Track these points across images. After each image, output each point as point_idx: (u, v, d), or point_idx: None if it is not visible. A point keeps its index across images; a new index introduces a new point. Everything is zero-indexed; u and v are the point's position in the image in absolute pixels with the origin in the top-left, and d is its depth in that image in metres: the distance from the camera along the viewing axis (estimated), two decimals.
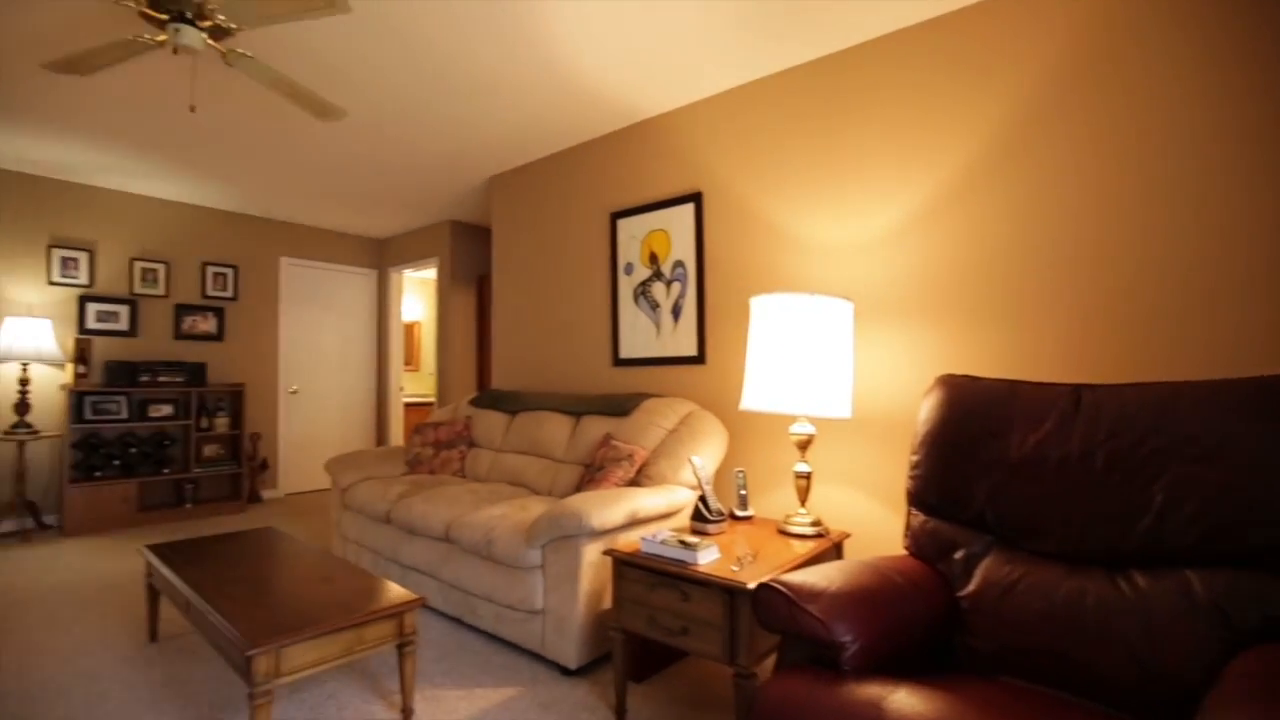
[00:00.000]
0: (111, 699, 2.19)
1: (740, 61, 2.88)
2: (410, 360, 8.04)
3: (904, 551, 1.87)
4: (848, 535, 2.29)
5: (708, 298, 3.20)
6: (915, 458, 1.85)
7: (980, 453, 1.70)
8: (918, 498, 1.83)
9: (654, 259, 3.44)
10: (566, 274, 3.99)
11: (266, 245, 5.82)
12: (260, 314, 5.75)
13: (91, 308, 4.84)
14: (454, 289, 5.79)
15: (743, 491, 2.47)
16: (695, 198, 3.26)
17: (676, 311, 3.32)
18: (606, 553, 2.08)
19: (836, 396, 2.17)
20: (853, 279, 2.67)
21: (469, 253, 5.94)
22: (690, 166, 3.33)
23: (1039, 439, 1.60)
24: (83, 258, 4.81)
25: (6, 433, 4.27)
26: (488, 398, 3.95)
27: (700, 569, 1.82)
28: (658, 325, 3.40)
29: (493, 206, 4.61)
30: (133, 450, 4.71)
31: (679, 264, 3.32)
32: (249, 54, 2.39)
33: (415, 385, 8.09)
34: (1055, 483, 1.55)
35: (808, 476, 2.27)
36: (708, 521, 2.22)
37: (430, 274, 7.84)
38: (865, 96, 2.66)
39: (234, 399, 5.33)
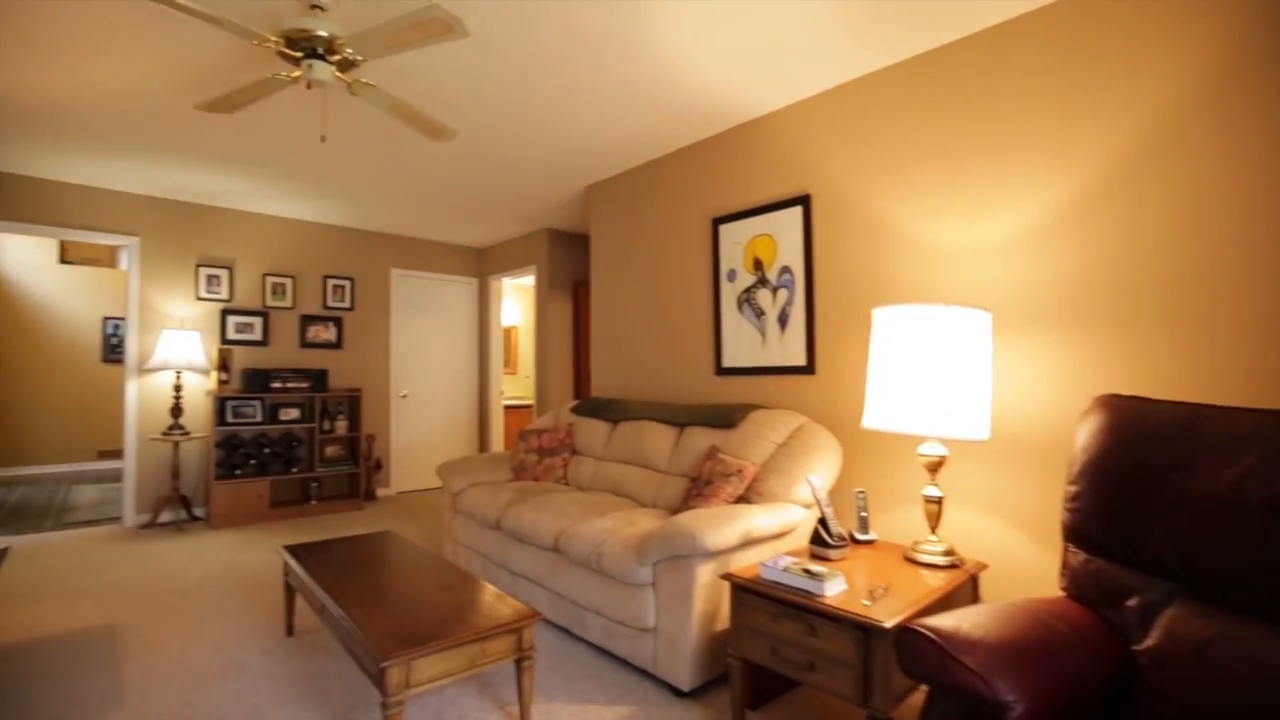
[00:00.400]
0: (259, 691, 2.35)
1: (852, 55, 2.73)
2: (508, 363, 8.30)
3: (1059, 593, 1.68)
4: (984, 567, 2.10)
5: (817, 305, 3.06)
6: (1073, 488, 1.66)
7: (1159, 487, 1.49)
8: (1077, 533, 1.64)
9: (759, 265, 3.33)
10: (666, 281, 3.95)
11: (379, 257, 6.17)
12: (373, 322, 6.11)
13: (231, 320, 5.30)
14: (551, 296, 5.90)
15: (863, 514, 2.33)
16: (803, 200, 3.12)
17: (783, 319, 3.20)
18: (724, 577, 2.01)
19: (972, 416, 1.99)
20: (985, 285, 2.45)
21: (565, 260, 6.03)
22: (797, 168, 3.19)
23: (1239, 474, 1.39)
24: (224, 275, 5.28)
25: (164, 433, 4.76)
26: (589, 406, 3.98)
27: (828, 602, 1.72)
28: (763, 334, 3.29)
29: (590, 215, 4.64)
30: (266, 450, 5.12)
31: (785, 270, 3.19)
32: (372, 84, 2.51)
33: (513, 388, 8.34)
34: (1262, 527, 1.34)
35: (939, 501, 2.11)
36: (829, 546, 2.10)
37: (527, 280, 8.05)
38: (996, 84, 2.44)
39: (352, 403, 5.68)
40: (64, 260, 7.71)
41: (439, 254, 6.60)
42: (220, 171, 4.37)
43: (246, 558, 4.01)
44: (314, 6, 2.34)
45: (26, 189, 4.53)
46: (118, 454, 7.67)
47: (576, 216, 5.55)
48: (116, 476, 6.91)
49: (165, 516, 4.95)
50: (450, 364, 6.66)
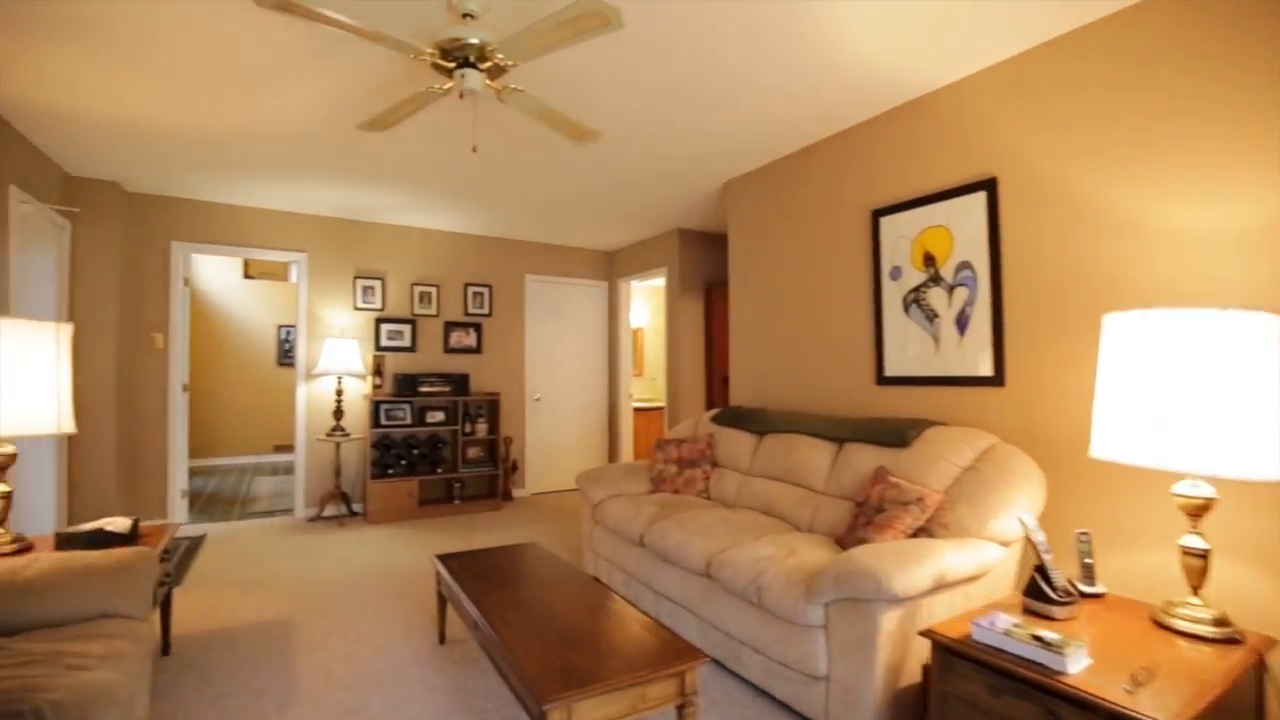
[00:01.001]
0: (415, 701, 2.36)
1: (1047, 11, 2.29)
2: (635, 366, 8.26)
3: None
4: (1274, 642, 1.64)
5: (1007, 306, 2.63)
6: None
7: None
8: None
9: (930, 261, 2.94)
10: (815, 281, 3.64)
11: (514, 264, 6.32)
12: (509, 327, 6.26)
13: (384, 328, 5.63)
14: (682, 297, 5.74)
15: (1088, 560, 1.93)
16: (987, 185, 2.70)
17: (962, 323, 2.79)
18: (925, 634, 1.71)
19: (1256, 450, 1.55)
20: (1224, 281, 1.95)
21: (696, 260, 5.85)
22: (976, 149, 2.77)
23: None
24: (377, 285, 5.62)
25: (327, 434, 5.13)
26: (730, 415, 3.76)
27: (1073, 682, 1.38)
28: (936, 339, 2.90)
29: (729, 212, 4.41)
30: (414, 451, 5.38)
31: (965, 265, 2.79)
32: (520, 89, 2.44)
33: (641, 390, 8.29)
34: None
35: (1204, 555, 1.67)
36: (1051, 602, 1.74)
37: (656, 282, 7.97)
38: (1247, 24, 1.92)
39: (490, 407, 5.85)
40: (247, 276, 8.67)
41: (570, 258, 6.66)
42: (376, 189, 4.62)
43: (399, 556, 4.19)
44: (465, 15, 2.30)
45: (217, 214, 5.05)
46: (290, 448, 8.50)
47: (709, 215, 5.35)
48: (289, 469, 7.65)
49: (329, 511, 5.34)
50: (580, 367, 6.70)
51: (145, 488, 4.80)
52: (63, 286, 4.27)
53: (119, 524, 2.40)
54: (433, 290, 5.86)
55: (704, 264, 5.90)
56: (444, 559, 2.77)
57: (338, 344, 5.14)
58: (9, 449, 2.26)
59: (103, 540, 2.32)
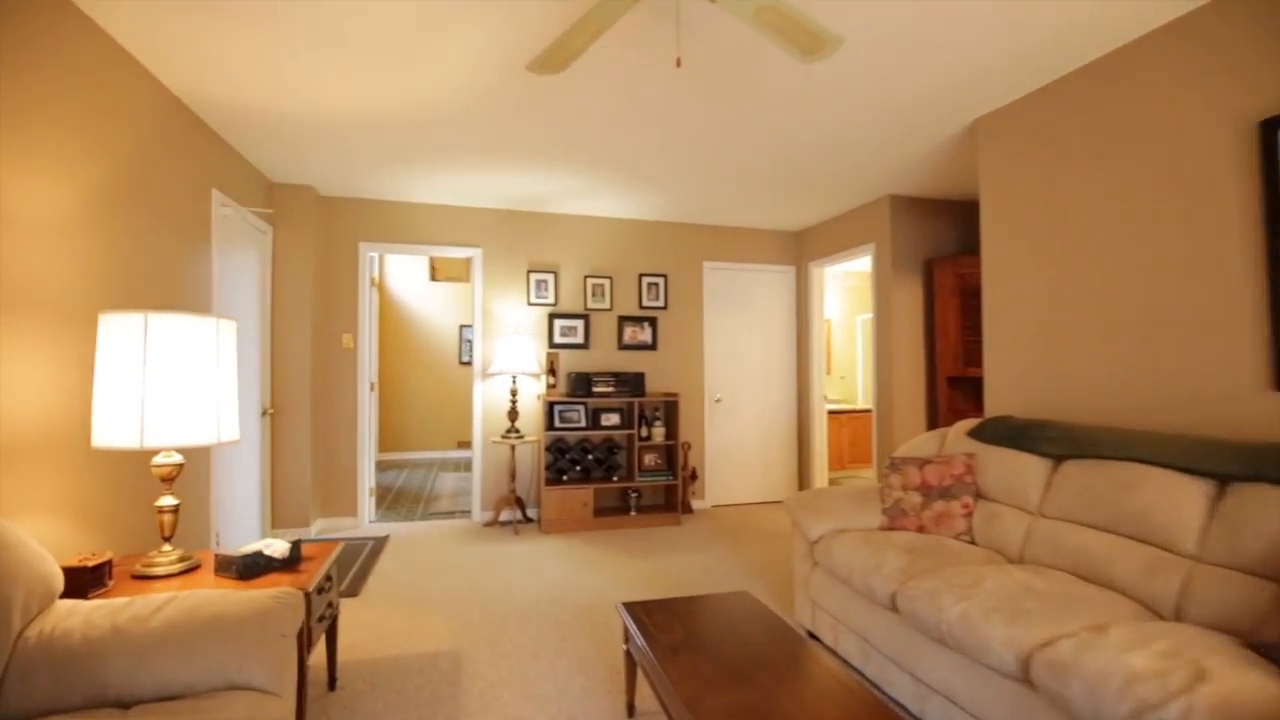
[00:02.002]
0: None
1: None
2: None
3: None
4: None
5: None
6: None
7: None
8: None
9: None
10: (1136, 234, 2.53)
11: (691, 250, 5.70)
12: (686, 321, 5.65)
13: (557, 324, 5.30)
14: (896, 279, 4.73)
15: None
16: None
17: None
18: None
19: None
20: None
21: (913, 232, 4.79)
22: None
23: None
24: (550, 279, 5.29)
25: (503, 436, 4.87)
26: (1001, 429, 2.77)
27: None
28: None
29: (981, 162, 3.37)
30: (589, 456, 4.96)
31: None
32: None
33: (828, 389, 7.29)
34: None
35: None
36: None
37: (853, 264, 6.93)
38: None
39: (668, 408, 5.28)
40: (433, 279, 9.03)
41: (752, 242, 5.89)
42: (550, 173, 4.23)
43: (577, 579, 3.72)
44: None
45: (399, 213, 5.01)
46: (470, 445, 8.69)
47: (930, 176, 4.29)
48: (469, 465, 7.77)
49: (505, 516, 5.10)
50: (765, 364, 5.91)
51: (337, 486, 4.87)
52: (265, 290, 4.38)
53: (278, 547, 2.09)
54: (605, 282, 5.43)
55: (922, 236, 4.82)
56: (633, 611, 2.17)
57: (512, 341, 4.87)
58: (174, 458, 2.03)
59: (259, 567, 2.01)
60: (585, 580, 3.68)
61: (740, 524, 5.08)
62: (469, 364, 8.71)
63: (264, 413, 4.30)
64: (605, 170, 4.25)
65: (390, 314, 8.51)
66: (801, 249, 5.97)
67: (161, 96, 2.92)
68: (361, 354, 4.92)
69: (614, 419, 5.07)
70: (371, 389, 5.03)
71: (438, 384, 8.65)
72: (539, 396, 5.08)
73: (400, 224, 5.02)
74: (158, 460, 2.01)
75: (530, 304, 5.25)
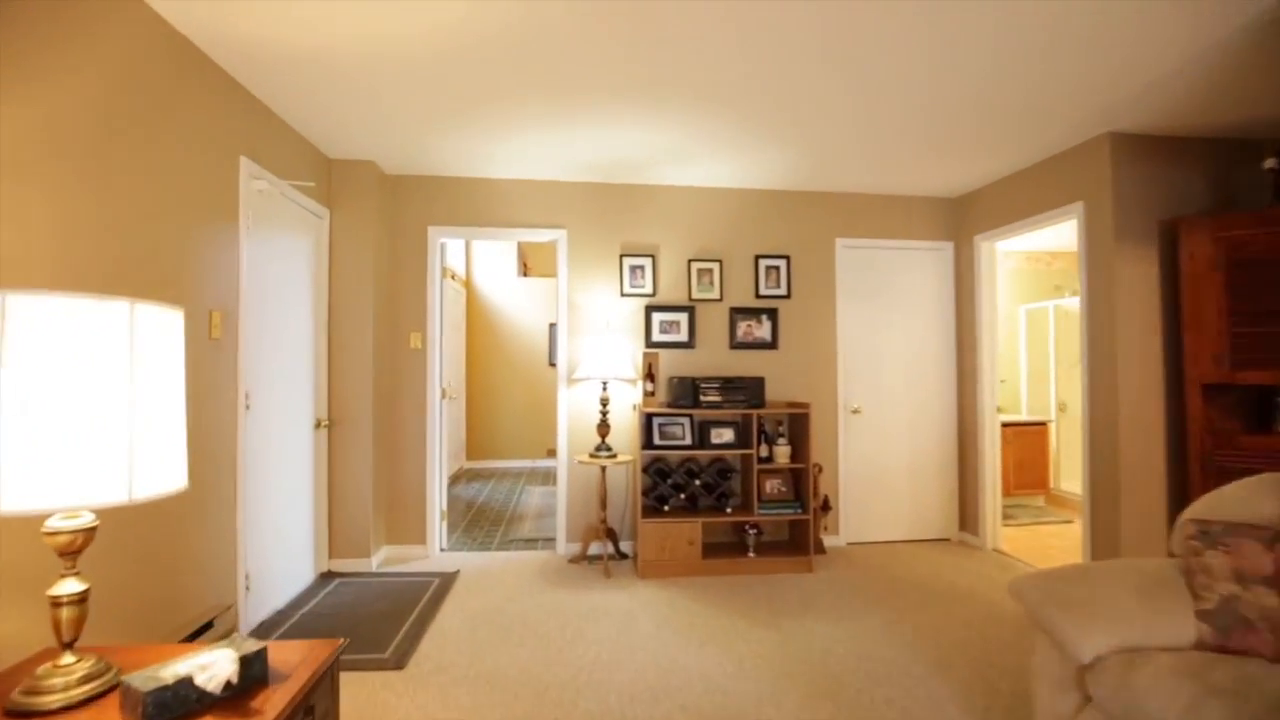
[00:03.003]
0: None
1: None
2: None
3: None
4: None
5: None
6: None
7: None
8: None
9: None
10: None
11: (819, 225, 4.60)
12: (814, 312, 4.56)
13: (656, 318, 4.38)
14: (1119, 249, 3.42)
15: None
16: None
17: None
18: None
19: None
20: None
21: (1145, 185, 3.46)
22: None
23: None
24: (647, 264, 4.39)
25: (591, 454, 4.02)
26: None
27: None
28: None
29: None
30: (696, 482, 4.01)
31: None
32: None
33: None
34: None
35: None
36: None
37: (1026, 241, 5.54)
38: None
39: (795, 423, 4.22)
40: (522, 274, 8.42)
41: (897, 213, 4.71)
42: (646, 130, 3.32)
43: (686, 657, 2.78)
44: None
45: (473, 191, 4.29)
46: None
47: (1184, 98, 2.98)
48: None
49: (594, 548, 4.25)
50: (914, 364, 4.71)
51: (404, 508, 4.21)
52: (320, 283, 3.76)
53: (221, 667, 1.28)
54: (714, 267, 4.45)
55: (1160, 189, 3.48)
56: None
57: (602, 341, 4.01)
58: (81, 520, 1.27)
59: (179, 707, 1.22)
60: (698, 664, 2.72)
61: (890, 571, 3.94)
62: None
63: (317, 425, 3.67)
64: (712, 126, 3.29)
65: (477, 313, 7.97)
66: (962, 219, 4.70)
67: (158, 30, 2.26)
68: (431, 355, 4.23)
69: (726, 435, 4.08)
70: (444, 396, 4.34)
71: (526, 388, 8.00)
72: (634, 407, 4.18)
73: (473, 204, 4.29)
74: (51, 525, 1.26)
75: (623, 295, 4.37)
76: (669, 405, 4.12)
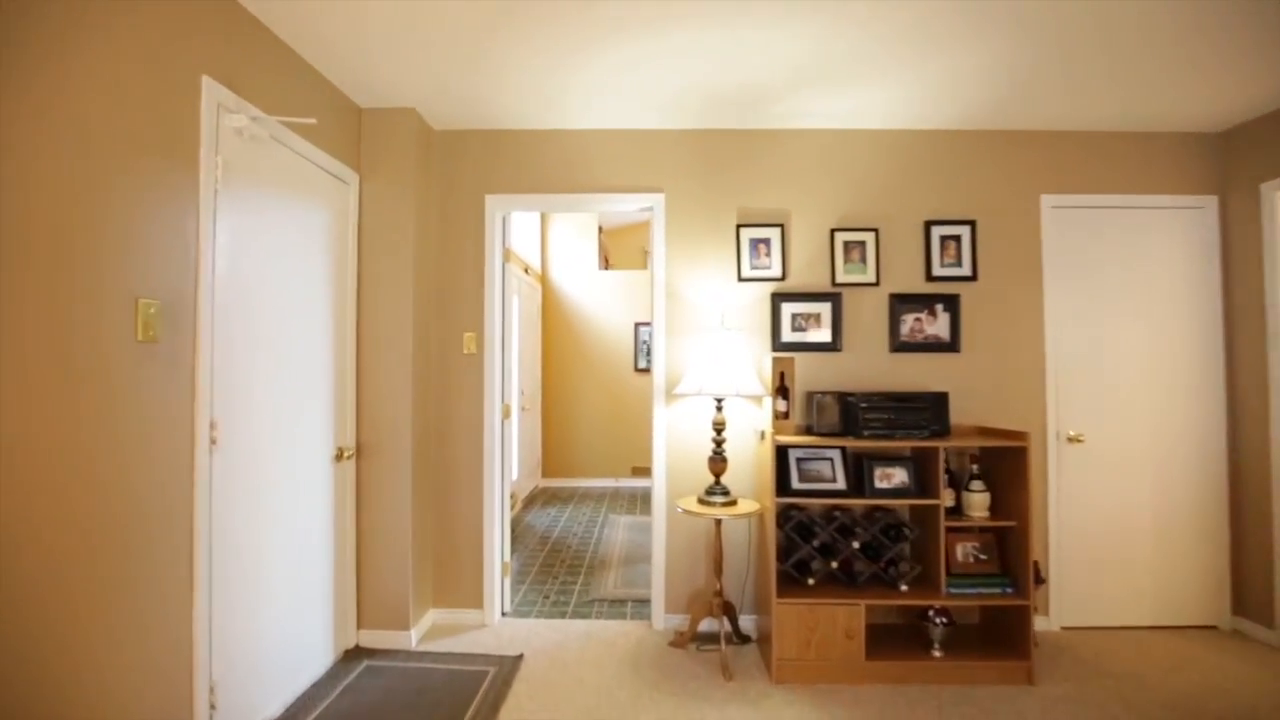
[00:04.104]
0: None
1: None
2: None
3: None
4: None
5: None
6: None
7: None
8: None
9: None
10: None
11: (1017, 179, 3.27)
12: (1011, 299, 3.24)
13: (787, 310, 3.20)
14: None
15: None
16: None
17: None
18: None
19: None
20: None
21: None
22: None
23: None
24: (773, 236, 3.22)
25: (701, 499, 2.90)
26: None
27: None
28: None
29: None
30: (853, 543, 2.80)
31: None
32: None
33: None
34: None
35: None
36: None
37: None
38: None
39: (995, 458, 2.92)
40: (604, 267, 7.44)
41: (1132, 156, 3.29)
42: (767, 32, 2.17)
43: None
44: None
45: (539, 147, 3.28)
46: (650, 472, 6.91)
47: None
48: (647, 497, 5.98)
49: (705, 625, 3.13)
50: (1157, 372, 3.27)
51: (455, 562, 3.24)
52: (344, 267, 2.85)
53: None
54: (867, 238, 3.22)
55: None
56: None
57: (714, 342, 2.88)
58: None
59: None
60: None
61: (1150, 680, 2.58)
62: (647, 370, 6.94)
63: (339, 456, 2.75)
64: (871, 8, 2.09)
65: (554, 312, 7.04)
66: (1234, 162, 3.23)
67: None
68: (490, 361, 3.25)
69: (896, 476, 2.84)
70: (506, 415, 3.35)
71: (609, 398, 6.99)
72: (761, 434, 3.03)
73: (541, 165, 3.27)
74: None
75: (741, 279, 3.22)
76: (811, 432, 2.94)
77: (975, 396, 3.19)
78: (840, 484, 2.83)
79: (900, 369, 3.20)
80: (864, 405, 2.77)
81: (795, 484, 2.81)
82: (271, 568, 2.30)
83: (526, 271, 6.21)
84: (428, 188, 3.19)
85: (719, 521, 2.88)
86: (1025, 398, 3.21)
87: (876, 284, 3.21)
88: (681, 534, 3.21)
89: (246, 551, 2.16)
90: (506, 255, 3.36)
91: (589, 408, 6.97)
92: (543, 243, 7.01)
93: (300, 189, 2.49)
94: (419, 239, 3.05)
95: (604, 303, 7.04)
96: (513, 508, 5.55)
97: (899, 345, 3.19)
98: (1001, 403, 3.20)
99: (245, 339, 2.15)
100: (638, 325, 7.00)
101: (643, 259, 8.17)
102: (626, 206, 3.27)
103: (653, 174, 3.26)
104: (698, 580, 3.19)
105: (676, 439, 3.22)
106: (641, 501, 6.19)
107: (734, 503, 2.86)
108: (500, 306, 3.30)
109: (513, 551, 4.52)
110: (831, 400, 2.91)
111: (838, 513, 2.91)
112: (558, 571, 4.09)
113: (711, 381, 2.79)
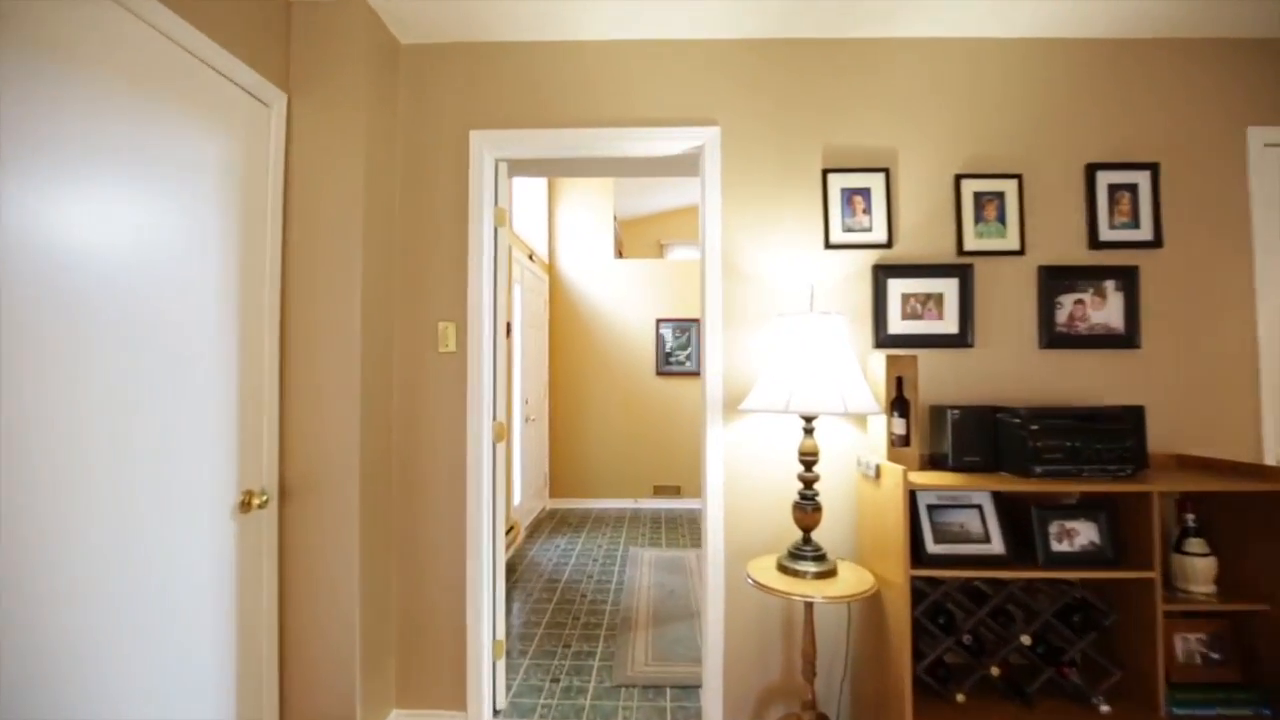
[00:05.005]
0: None
1: None
2: None
3: None
4: None
5: None
6: None
7: None
8: None
9: None
10: None
11: (1209, 104, 2.32)
12: (1209, 272, 2.29)
13: (893, 289, 2.27)
14: None
15: None
16: None
17: None
18: None
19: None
20: None
21: None
22: None
23: None
24: (874, 186, 2.29)
25: (783, 565, 1.97)
26: None
27: None
28: None
29: None
30: (1021, 637, 1.86)
31: None
32: None
33: None
34: None
35: None
36: None
37: None
38: None
39: (1215, 506, 1.97)
40: (618, 255, 6.54)
41: None
42: None
43: None
44: None
45: (555, 63, 2.36)
46: (675, 492, 5.99)
47: None
48: (673, 522, 5.05)
49: (775, 713, 2.20)
50: None
51: (428, 642, 2.32)
52: (264, 223, 1.94)
53: None
54: (1006, 188, 2.28)
55: None
56: None
57: (800, 333, 1.94)
58: None
59: None
60: None
61: None
62: (671, 374, 6.02)
63: (245, 505, 1.83)
64: None
65: (563, 307, 6.13)
66: None
67: None
68: (478, 361, 2.32)
69: (1081, 534, 1.89)
70: (500, 439, 2.42)
71: (626, 405, 6.07)
72: (870, 467, 2.09)
73: (549, 89, 2.36)
74: None
75: (830, 245, 2.28)
76: (943, 465, 2.01)
77: (1164, 410, 2.25)
78: (996, 546, 1.88)
79: (1055, 372, 2.26)
80: (1035, 427, 1.84)
81: (930, 546, 1.87)
82: (117, 682, 1.38)
83: (531, 258, 5.31)
84: (389, 119, 2.28)
85: (810, 605, 1.94)
86: (1233, 410, 2.26)
87: (1020, 252, 2.27)
88: (747, 605, 2.27)
89: (62, 662, 1.24)
90: (501, 218, 2.44)
91: (603, 417, 6.05)
92: (550, 226, 6.10)
93: (184, 104, 1.59)
94: (375, 191, 2.15)
95: (621, 295, 6.12)
96: (513, 542, 4.63)
97: (1053, 338, 2.25)
98: (1200, 419, 2.25)
99: (60, 344, 1.24)
100: (659, 321, 6.08)
101: (659, 253, 7.27)
102: (668, 148, 2.35)
103: (703, 100, 2.34)
104: (770, 672, 2.26)
105: (738, 471, 2.29)
106: (667, 527, 5.26)
107: (832, 572, 1.93)
108: (491, 286, 2.38)
109: (514, 598, 3.60)
110: (972, 419, 1.98)
111: (982, 584, 1.97)
112: (569, 634, 3.17)
113: (804, 392, 1.85)
